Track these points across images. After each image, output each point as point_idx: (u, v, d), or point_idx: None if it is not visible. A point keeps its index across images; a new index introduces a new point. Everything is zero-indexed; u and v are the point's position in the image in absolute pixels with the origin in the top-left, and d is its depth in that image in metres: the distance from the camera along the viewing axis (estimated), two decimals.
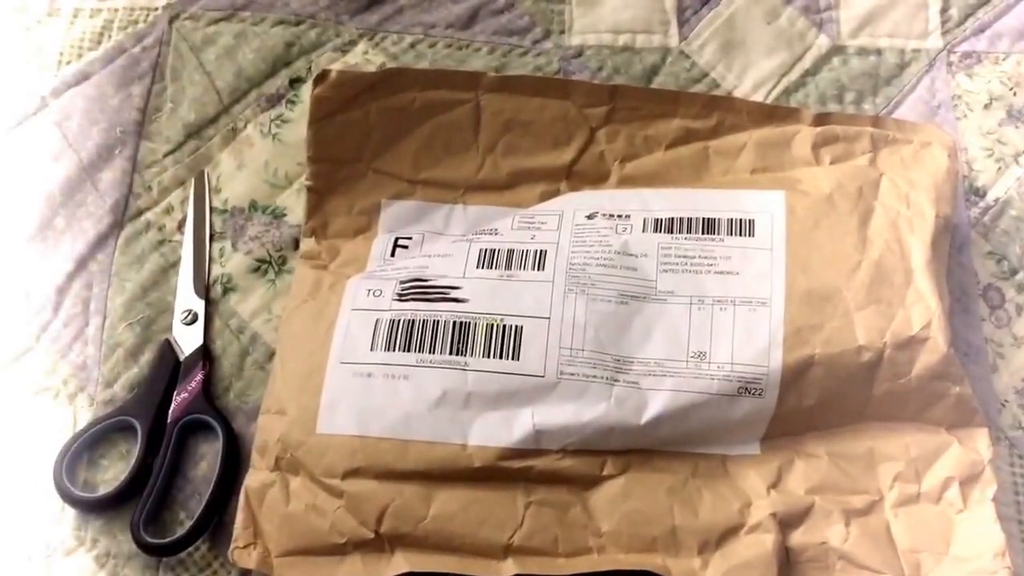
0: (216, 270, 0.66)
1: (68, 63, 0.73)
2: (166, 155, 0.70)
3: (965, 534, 0.55)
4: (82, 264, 0.66)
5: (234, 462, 0.60)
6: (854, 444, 0.57)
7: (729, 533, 0.55)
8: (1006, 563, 0.54)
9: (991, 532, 0.55)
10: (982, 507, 0.56)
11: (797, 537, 0.55)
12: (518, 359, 0.57)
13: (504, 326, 0.58)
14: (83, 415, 0.62)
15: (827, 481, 0.56)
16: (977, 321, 0.64)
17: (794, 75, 0.71)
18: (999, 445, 0.60)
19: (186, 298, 0.65)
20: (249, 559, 0.56)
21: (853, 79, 0.71)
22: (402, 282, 0.60)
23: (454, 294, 0.59)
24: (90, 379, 0.63)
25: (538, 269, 0.60)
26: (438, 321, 0.58)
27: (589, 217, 0.62)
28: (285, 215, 0.67)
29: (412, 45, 0.73)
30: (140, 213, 0.68)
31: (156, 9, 0.74)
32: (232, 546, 0.56)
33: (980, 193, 0.68)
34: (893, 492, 0.56)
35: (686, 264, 0.59)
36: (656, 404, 0.56)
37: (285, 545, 0.55)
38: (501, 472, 0.56)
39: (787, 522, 0.55)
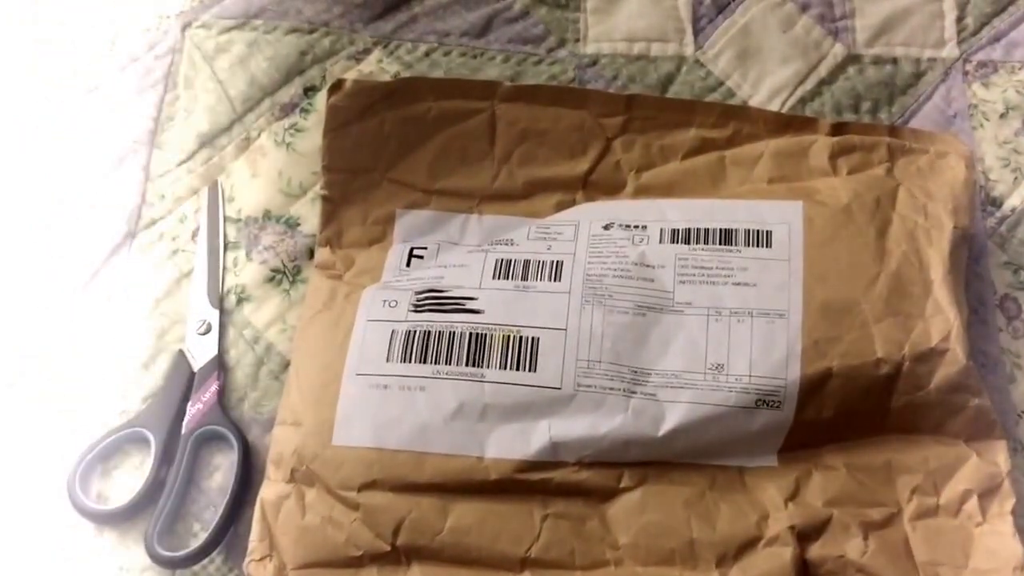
0: (230, 280, 0.66)
1: (80, 71, 0.72)
2: (179, 164, 0.70)
3: (984, 548, 0.55)
4: (95, 274, 0.66)
5: (249, 474, 0.60)
6: (872, 456, 0.57)
7: (747, 546, 0.55)
8: None
9: (1010, 546, 0.54)
10: (1001, 520, 0.55)
11: (815, 550, 0.55)
12: (535, 371, 0.57)
13: (520, 337, 0.58)
14: (97, 426, 0.62)
15: (845, 493, 0.56)
16: (994, 332, 0.64)
17: (810, 84, 0.71)
18: (1017, 457, 0.60)
19: (200, 308, 0.65)
20: (264, 572, 0.55)
21: (869, 88, 0.71)
22: (417, 293, 0.60)
23: (470, 305, 0.59)
24: (104, 390, 0.63)
25: (554, 280, 0.59)
26: (454, 332, 0.58)
27: (605, 227, 0.61)
28: (299, 224, 0.67)
29: (427, 53, 0.72)
30: (153, 223, 0.68)
31: (168, 17, 0.74)
32: (247, 559, 0.56)
33: (996, 203, 0.67)
34: (911, 505, 0.56)
35: (703, 275, 0.59)
36: (673, 416, 0.56)
37: (301, 558, 0.55)
38: (518, 484, 0.56)
39: (805, 535, 0.55)
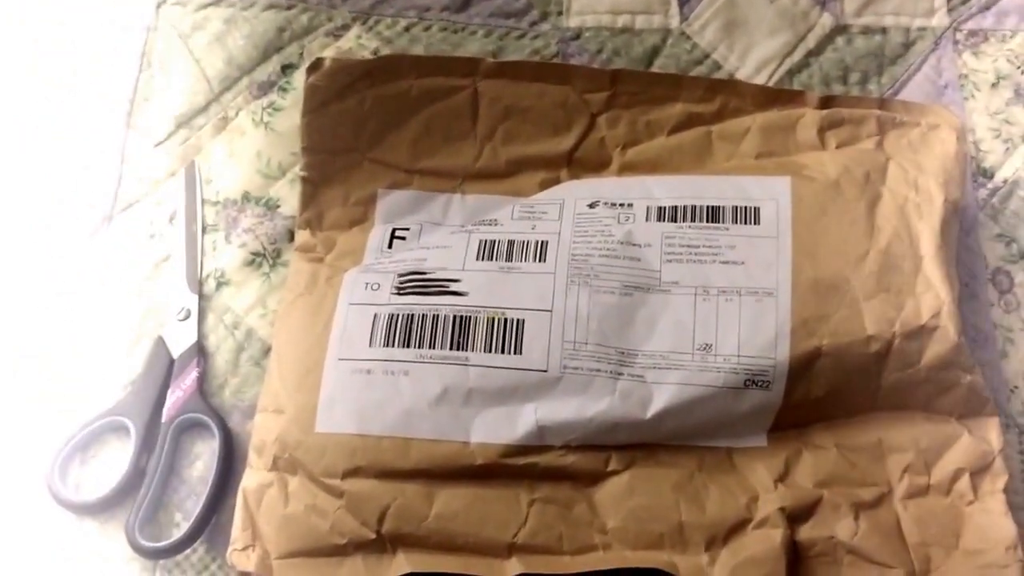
0: (209, 264, 0.65)
1: (52, 52, 0.71)
2: (156, 146, 0.69)
3: (976, 527, 0.54)
4: (71, 260, 0.65)
5: (231, 462, 0.59)
6: (862, 435, 0.56)
7: (737, 528, 0.54)
8: (1018, 556, 0.53)
9: (1002, 524, 0.54)
10: (993, 498, 0.55)
11: (805, 531, 0.54)
12: (520, 353, 0.56)
13: (505, 320, 0.57)
14: (75, 416, 0.61)
15: (835, 473, 0.56)
16: (985, 306, 0.63)
17: (797, 56, 0.70)
18: (1009, 433, 0.60)
19: (178, 293, 0.64)
20: (248, 561, 0.55)
21: (858, 59, 0.70)
22: (400, 275, 0.59)
23: (454, 287, 0.58)
24: (82, 378, 0.62)
25: (539, 260, 0.59)
26: (438, 315, 0.57)
27: (591, 206, 0.61)
28: (279, 206, 0.66)
29: (406, 29, 0.71)
30: (130, 206, 0.67)
31: None
32: (230, 548, 0.55)
33: (988, 174, 0.67)
34: (902, 484, 0.55)
35: (690, 254, 0.58)
36: (661, 398, 0.55)
37: (284, 547, 0.54)
38: (504, 469, 0.55)
39: (795, 516, 0.54)
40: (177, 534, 0.57)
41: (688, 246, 0.58)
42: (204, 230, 0.66)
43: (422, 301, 0.58)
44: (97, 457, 0.60)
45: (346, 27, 0.71)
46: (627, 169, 0.64)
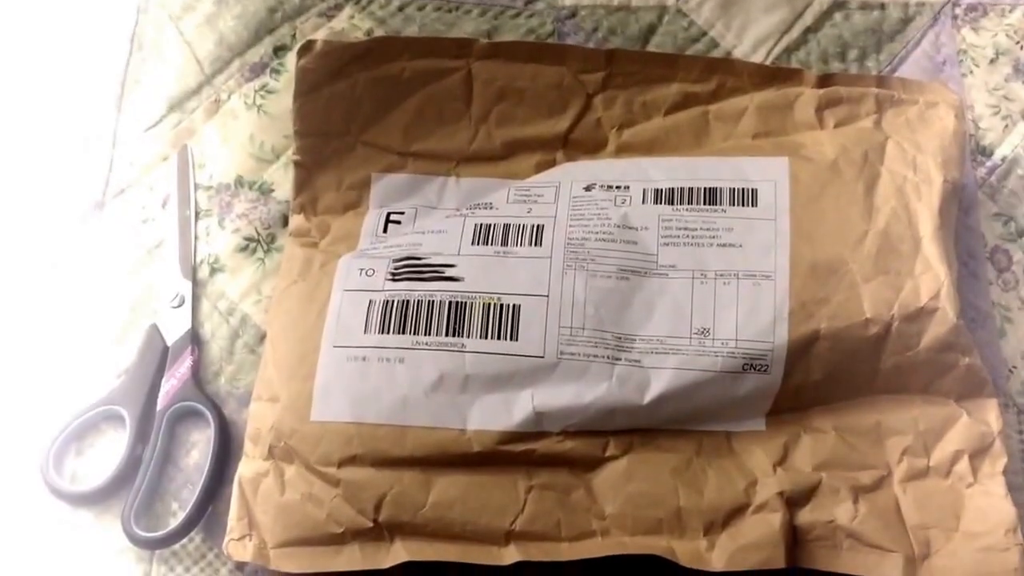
0: (202, 250, 0.65)
1: (41, 36, 0.70)
2: (147, 130, 0.68)
3: (975, 509, 0.54)
4: (63, 246, 0.65)
5: (227, 450, 0.59)
6: (861, 418, 0.56)
7: (735, 513, 0.54)
8: (1017, 539, 0.53)
9: (1002, 507, 0.54)
10: (992, 480, 0.55)
11: (804, 515, 0.54)
12: (516, 339, 0.56)
13: (501, 305, 0.56)
14: (69, 405, 0.60)
15: (834, 457, 0.55)
16: (984, 285, 0.63)
17: (795, 33, 0.70)
18: (1008, 412, 0.60)
19: (172, 280, 0.63)
20: (244, 551, 0.54)
21: (856, 35, 0.69)
22: (395, 260, 0.59)
23: (449, 272, 0.58)
24: (75, 367, 0.62)
25: (535, 245, 0.58)
26: (433, 301, 0.57)
27: (587, 188, 0.60)
28: (273, 190, 0.66)
29: (400, 8, 0.71)
30: (122, 191, 0.66)
31: None
32: (227, 538, 0.55)
33: (987, 152, 0.66)
34: (901, 467, 0.55)
35: (688, 236, 0.58)
36: (659, 383, 0.55)
37: (281, 536, 0.54)
38: (501, 456, 0.55)
39: (794, 500, 0.54)
40: (173, 524, 0.57)
41: (685, 229, 0.58)
42: (197, 215, 0.65)
43: (417, 287, 0.57)
44: (92, 447, 0.60)
45: (339, 7, 0.71)
46: (623, 150, 0.63)
